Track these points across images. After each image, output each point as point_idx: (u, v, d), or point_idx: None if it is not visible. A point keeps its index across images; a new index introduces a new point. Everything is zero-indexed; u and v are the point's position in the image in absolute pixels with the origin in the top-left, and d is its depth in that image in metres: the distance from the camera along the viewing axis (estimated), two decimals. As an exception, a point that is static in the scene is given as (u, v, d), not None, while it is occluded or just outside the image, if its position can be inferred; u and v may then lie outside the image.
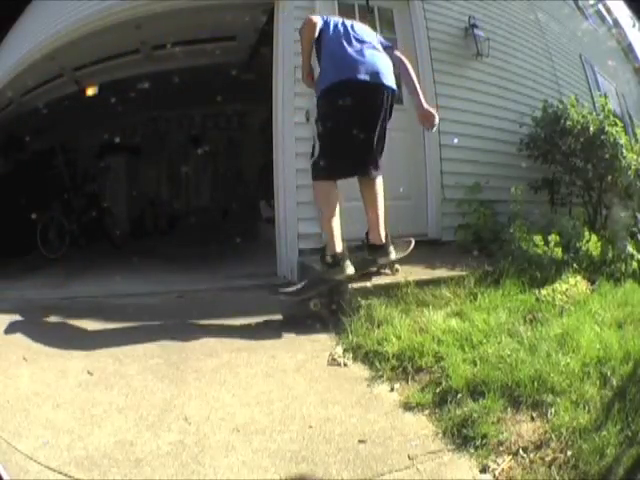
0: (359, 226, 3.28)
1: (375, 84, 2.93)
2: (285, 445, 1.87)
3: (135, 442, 1.86)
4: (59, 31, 4.82)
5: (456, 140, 4.30)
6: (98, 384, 2.28)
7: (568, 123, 4.07)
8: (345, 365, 2.52)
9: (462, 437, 1.91)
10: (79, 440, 1.86)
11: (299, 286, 3.03)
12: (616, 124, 3.98)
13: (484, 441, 1.86)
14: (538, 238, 3.35)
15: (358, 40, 3.02)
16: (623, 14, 6.58)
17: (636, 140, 4.23)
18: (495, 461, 1.81)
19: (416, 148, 4.30)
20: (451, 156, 4.31)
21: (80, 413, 2.04)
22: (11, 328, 2.86)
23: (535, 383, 2.08)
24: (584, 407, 1.95)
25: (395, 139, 4.28)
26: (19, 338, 2.75)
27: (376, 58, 2.99)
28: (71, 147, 7.71)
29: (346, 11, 4.21)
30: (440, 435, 1.95)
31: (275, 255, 4.01)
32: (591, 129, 3.96)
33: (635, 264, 3.51)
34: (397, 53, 3.21)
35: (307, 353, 2.63)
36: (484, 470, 1.78)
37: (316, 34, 3.01)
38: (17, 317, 3.10)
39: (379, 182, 3.16)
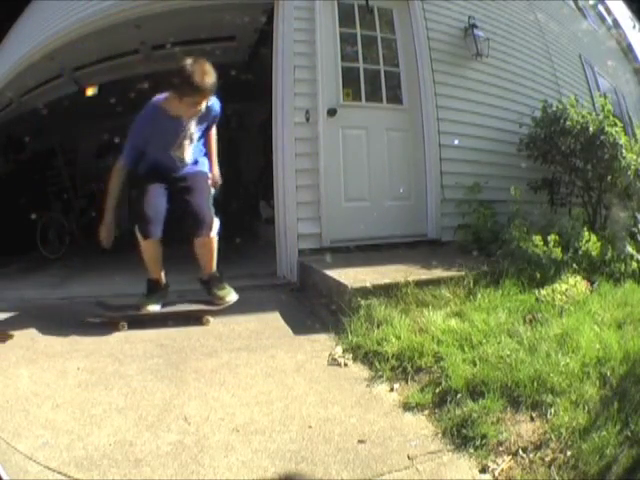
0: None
1: None
2: (285, 445, 1.87)
3: (135, 442, 1.86)
4: (59, 31, 4.82)
5: (456, 140, 4.30)
6: (98, 384, 2.29)
7: (568, 123, 4.06)
8: (345, 365, 2.52)
9: (462, 437, 1.91)
10: (79, 440, 1.86)
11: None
12: (616, 124, 3.97)
13: (484, 441, 1.86)
14: (537, 238, 3.34)
15: None
16: (623, 14, 6.60)
17: (636, 140, 4.21)
18: (495, 461, 1.81)
19: (416, 148, 4.31)
20: (451, 156, 4.31)
21: (80, 413, 2.04)
22: (11, 328, 2.86)
23: (535, 383, 2.08)
24: (584, 407, 1.95)
25: (395, 139, 4.31)
26: (19, 338, 2.75)
27: None
28: (71, 147, 7.71)
29: (346, 11, 4.22)
30: (440, 435, 1.95)
31: (275, 255, 4.01)
32: (591, 129, 3.95)
33: (635, 264, 3.51)
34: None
35: (307, 353, 2.64)
36: (484, 470, 1.78)
37: None
38: (17, 317, 3.10)
39: None
